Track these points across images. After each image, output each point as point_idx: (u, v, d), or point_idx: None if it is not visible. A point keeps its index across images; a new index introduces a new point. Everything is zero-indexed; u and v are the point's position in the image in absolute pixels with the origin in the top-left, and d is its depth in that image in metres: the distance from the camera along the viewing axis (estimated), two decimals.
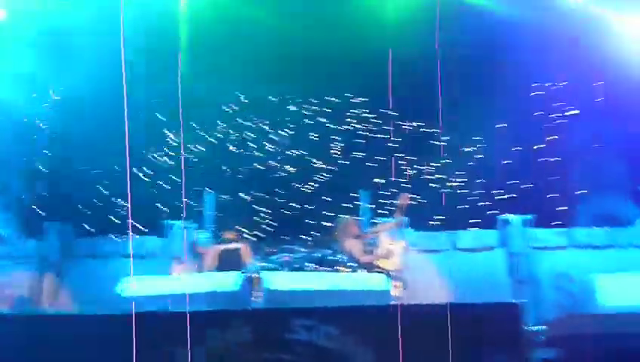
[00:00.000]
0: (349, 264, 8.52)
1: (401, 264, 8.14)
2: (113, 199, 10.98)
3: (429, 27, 10.25)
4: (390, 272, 7.98)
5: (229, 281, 5.59)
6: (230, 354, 4.50)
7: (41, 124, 11.16)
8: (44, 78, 11.05)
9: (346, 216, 8.99)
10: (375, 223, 9.86)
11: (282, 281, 5.77)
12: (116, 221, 10.79)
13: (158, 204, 10.89)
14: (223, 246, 9.00)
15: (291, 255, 9.38)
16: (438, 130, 11.39)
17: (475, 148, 11.31)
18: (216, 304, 4.98)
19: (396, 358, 4.44)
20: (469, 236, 10.75)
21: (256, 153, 11.48)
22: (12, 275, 10.30)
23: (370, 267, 8.03)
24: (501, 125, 11.00)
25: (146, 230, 10.85)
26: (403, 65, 10.10)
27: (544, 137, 11.14)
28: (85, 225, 10.79)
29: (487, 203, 10.96)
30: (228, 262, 8.48)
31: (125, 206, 11.04)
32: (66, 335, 4.53)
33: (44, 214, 10.84)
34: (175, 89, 8.02)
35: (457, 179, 11.21)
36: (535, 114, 11.03)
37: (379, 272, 7.54)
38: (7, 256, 10.51)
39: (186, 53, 9.41)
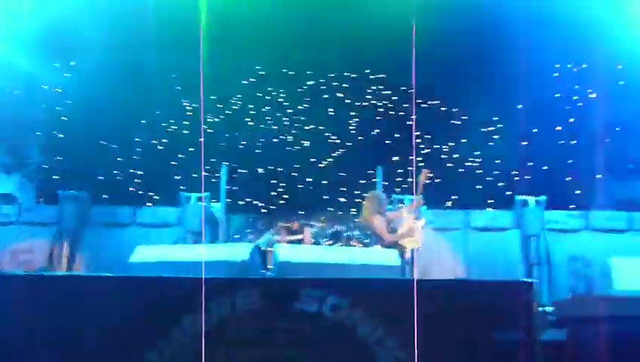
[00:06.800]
0: (362, 240, 8.52)
1: (420, 242, 8.07)
2: (131, 170, 11.06)
3: (454, 3, 10.13)
4: (411, 250, 7.90)
5: (239, 251, 5.58)
6: (236, 321, 4.53)
7: (60, 91, 11.21)
8: (67, 49, 11.08)
9: (374, 191, 8.88)
10: (394, 201, 9.82)
11: (293, 253, 5.74)
12: (132, 190, 10.88)
13: (177, 176, 10.96)
14: (289, 238, 8.98)
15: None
16: (456, 110, 11.32)
17: (493, 129, 11.23)
18: (225, 273, 4.98)
19: (406, 332, 4.43)
20: (484, 216, 10.71)
21: (273, 126, 11.48)
22: (28, 241, 10.44)
23: (393, 245, 7.96)
24: (520, 106, 10.90)
25: (161, 200, 10.95)
26: (425, 41, 9.99)
27: (563, 119, 11.04)
28: (102, 194, 10.88)
29: (503, 183, 10.90)
30: None
31: (141, 176, 11.14)
32: (76, 296, 4.59)
33: (61, 181, 10.93)
34: (194, 62, 8.00)
35: (474, 159, 11.15)
36: (555, 95, 10.92)
37: (399, 249, 7.45)
38: (23, 222, 10.63)
39: (206, 26, 9.41)
